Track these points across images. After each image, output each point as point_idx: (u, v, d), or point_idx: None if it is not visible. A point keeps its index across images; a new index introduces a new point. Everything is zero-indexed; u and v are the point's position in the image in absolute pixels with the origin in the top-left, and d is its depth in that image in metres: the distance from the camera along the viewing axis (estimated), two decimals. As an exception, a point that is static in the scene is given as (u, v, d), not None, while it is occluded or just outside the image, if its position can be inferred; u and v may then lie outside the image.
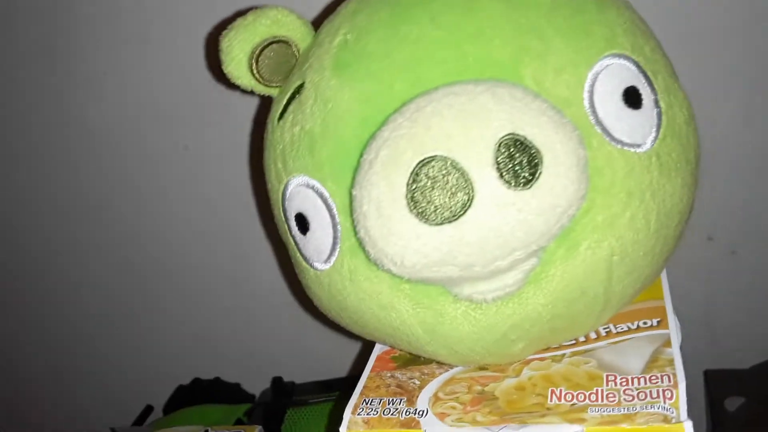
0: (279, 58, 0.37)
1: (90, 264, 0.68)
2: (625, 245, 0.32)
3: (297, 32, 0.37)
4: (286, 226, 0.37)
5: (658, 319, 0.37)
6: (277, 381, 0.67)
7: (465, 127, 0.29)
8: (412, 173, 0.29)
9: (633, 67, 0.33)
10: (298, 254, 0.37)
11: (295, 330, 0.68)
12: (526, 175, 0.28)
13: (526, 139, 0.28)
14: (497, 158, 0.28)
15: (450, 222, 0.29)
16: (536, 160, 0.28)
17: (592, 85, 0.32)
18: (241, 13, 0.37)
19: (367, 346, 0.59)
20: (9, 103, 0.61)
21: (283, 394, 0.66)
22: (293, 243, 0.37)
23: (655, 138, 0.33)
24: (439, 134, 0.29)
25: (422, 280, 0.31)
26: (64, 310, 0.71)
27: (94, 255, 0.67)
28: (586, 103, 0.32)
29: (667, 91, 0.34)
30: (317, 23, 0.38)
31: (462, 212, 0.29)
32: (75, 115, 0.61)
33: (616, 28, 0.34)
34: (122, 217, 0.65)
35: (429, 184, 0.29)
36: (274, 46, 0.37)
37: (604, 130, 0.32)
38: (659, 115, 0.33)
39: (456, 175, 0.28)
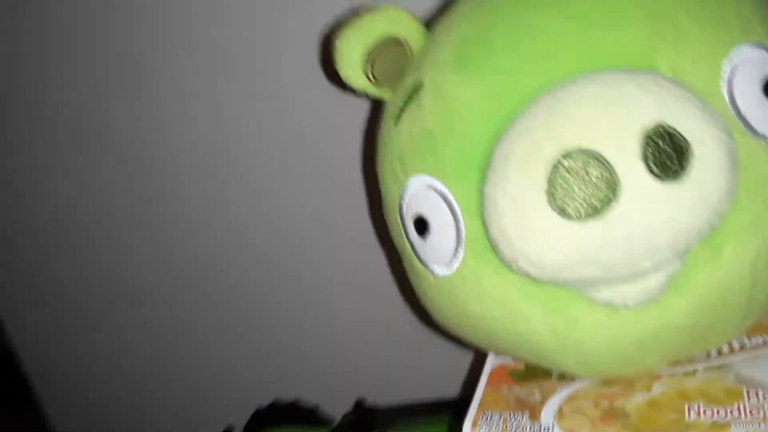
0: (393, 58, 0.36)
1: (170, 283, 0.68)
2: None
3: (411, 32, 0.36)
4: (402, 230, 0.36)
5: (798, 334, 0.35)
6: (359, 403, 0.66)
7: (608, 117, 0.27)
8: (552, 167, 0.27)
9: None
10: (415, 258, 0.36)
11: (379, 350, 0.66)
12: (676, 167, 0.27)
13: (675, 129, 0.27)
14: (644, 149, 0.27)
15: (594, 218, 0.27)
16: (686, 152, 0.27)
17: (731, 76, 0.30)
18: (355, 12, 0.36)
19: (459, 368, 0.58)
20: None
21: (366, 418, 0.65)
22: (409, 247, 0.36)
23: None
24: (580, 125, 0.27)
25: (559, 281, 0.29)
26: (143, 330, 0.71)
27: (174, 273, 0.67)
28: (725, 94, 0.30)
29: None
30: (427, 25, 0.38)
31: (607, 207, 0.27)
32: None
33: (752, 17, 0.32)
34: (203, 235, 0.64)
35: (570, 177, 0.27)
36: (388, 46, 0.36)
37: (746, 123, 0.30)
38: None
39: (600, 168, 0.27)
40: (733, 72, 0.30)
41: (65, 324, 0.72)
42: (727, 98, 0.30)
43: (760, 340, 0.35)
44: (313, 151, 0.58)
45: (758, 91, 0.30)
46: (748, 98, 0.30)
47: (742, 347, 0.35)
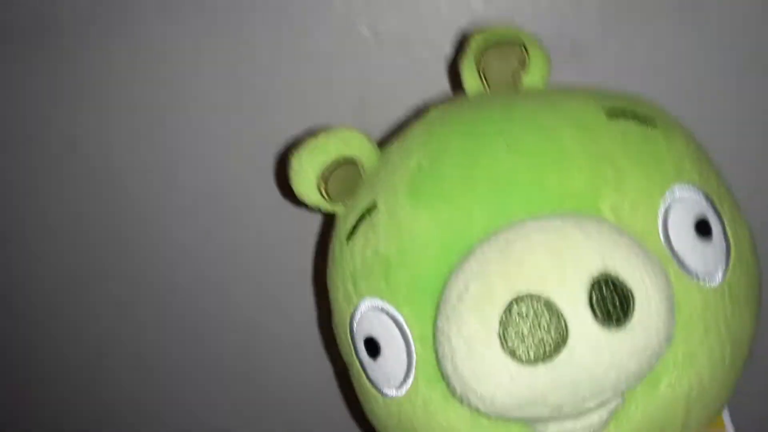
0: (346, 177, 0.37)
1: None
2: (703, 381, 0.32)
3: (364, 152, 0.37)
4: (352, 348, 0.36)
5: (723, 449, 0.37)
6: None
7: (558, 266, 0.29)
8: (504, 311, 0.29)
9: (702, 198, 0.34)
10: (364, 377, 0.36)
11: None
12: (619, 315, 0.28)
13: (618, 277, 0.28)
14: (591, 297, 0.28)
15: (544, 362, 0.28)
16: (629, 300, 0.28)
17: (666, 217, 0.32)
18: (311, 133, 0.37)
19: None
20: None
21: None
22: (359, 365, 0.36)
23: (725, 269, 0.33)
24: (532, 272, 0.29)
25: (509, 418, 0.30)
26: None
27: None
28: (661, 235, 0.32)
29: (733, 221, 0.35)
30: (374, 135, 0.39)
31: (556, 352, 0.28)
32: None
33: (684, 159, 0.34)
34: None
35: (522, 322, 0.28)
36: (342, 165, 0.37)
37: (680, 262, 0.32)
38: (728, 246, 0.34)
39: (550, 314, 0.28)
40: (668, 212, 0.32)
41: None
42: (662, 238, 0.32)
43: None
44: (266, 264, 0.58)
45: (691, 230, 0.33)
46: (682, 238, 0.32)
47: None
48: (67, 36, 0.54)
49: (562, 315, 0.28)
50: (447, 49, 0.53)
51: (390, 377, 0.34)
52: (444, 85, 0.53)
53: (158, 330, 0.62)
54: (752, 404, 0.54)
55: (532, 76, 0.38)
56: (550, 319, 0.28)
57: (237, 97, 0.54)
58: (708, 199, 0.34)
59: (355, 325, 0.35)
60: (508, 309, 0.29)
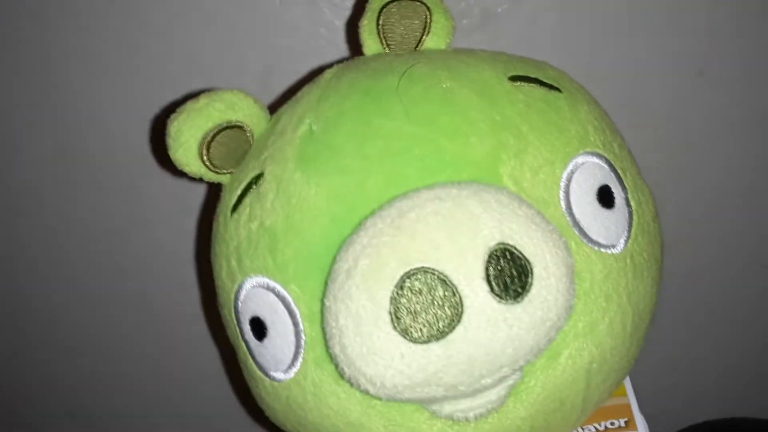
0: (232, 143, 0.34)
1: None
2: (604, 352, 0.31)
3: (252, 117, 0.34)
4: (237, 330, 0.33)
5: (625, 419, 0.36)
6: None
7: (453, 237, 0.27)
8: (396, 286, 0.26)
9: (605, 165, 0.32)
10: (251, 361, 0.33)
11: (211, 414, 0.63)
12: (517, 288, 0.27)
13: (516, 249, 0.27)
14: (487, 270, 0.26)
15: (437, 340, 0.26)
16: (527, 272, 0.27)
17: (568, 185, 0.31)
18: (192, 95, 0.34)
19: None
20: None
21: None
22: (245, 348, 0.33)
23: (627, 238, 0.32)
24: (425, 244, 0.27)
25: (401, 401, 0.28)
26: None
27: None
28: (562, 203, 0.31)
29: (636, 188, 0.34)
30: (273, 108, 0.36)
31: (450, 329, 0.26)
32: None
33: (588, 126, 0.33)
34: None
35: (414, 298, 0.26)
36: (227, 131, 0.33)
37: (581, 231, 0.31)
38: (630, 213, 0.33)
39: (444, 289, 0.26)
40: (569, 181, 0.31)
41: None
42: (564, 207, 0.31)
43: (592, 428, 0.36)
44: (145, 241, 0.55)
45: (593, 199, 0.31)
46: (583, 206, 0.31)
47: (574, 438, 0.36)
48: None
49: (456, 289, 0.26)
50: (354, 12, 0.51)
51: (277, 360, 0.32)
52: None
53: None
54: (653, 372, 0.55)
55: (435, 39, 0.35)
56: (444, 293, 0.26)
57: (128, 59, 0.50)
58: (611, 166, 0.33)
59: (239, 304, 0.33)
60: (400, 284, 0.26)
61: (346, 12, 0.51)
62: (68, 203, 0.55)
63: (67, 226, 0.56)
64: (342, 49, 0.52)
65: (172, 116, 0.33)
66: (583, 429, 0.36)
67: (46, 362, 0.62)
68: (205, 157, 0.33)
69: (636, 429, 0.36)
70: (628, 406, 0.37)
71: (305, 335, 0.30)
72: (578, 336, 0.30)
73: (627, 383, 0.39)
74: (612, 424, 0.36)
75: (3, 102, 0.52)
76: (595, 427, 0.36)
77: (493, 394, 0.29)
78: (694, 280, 0.59)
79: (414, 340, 0.26)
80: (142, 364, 0.61)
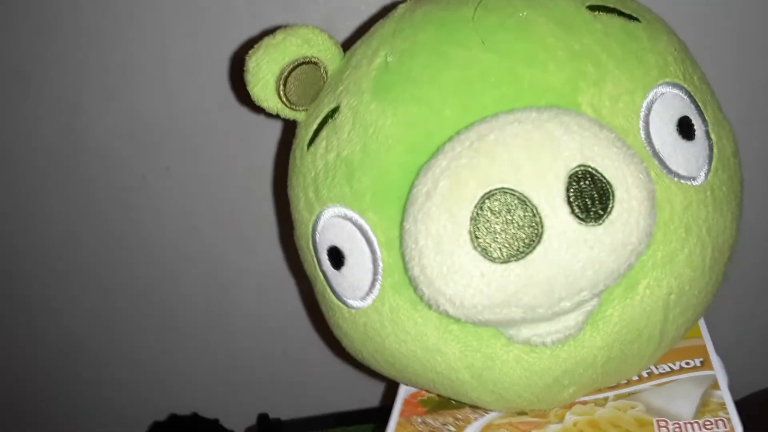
0: (307, 79, 0.35)
1: (65, 290, 0.63)
2: (683, 283, 0.31)
3: (327, 53, 0.35)
4: (315, 261, 0.34)
5: (701, 360, 0.36)
6: (262, 418, 0.64)
7: (533, 158, 0.27)
8: (476, 206, 0.27)
9: (685, 97, 0.32)
10: (329, 290, 0.34)
11: (281, 364, 0.64)
12: (598, 209, 0.27)
13: (597, 171, 0.27)
14: (568, 191, 0.26)
15: (517, 260, 0.27)
16: (608, 194, 0.27)
17: (648, 115, 0.31)
18: (268, 32, 0.34)
19: (363, 378, 0.57)
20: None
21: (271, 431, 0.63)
22: (323, 278, 0.34)
23: (708, 171, 0.32)
24: (505, 165, 0.27)
25: (479, 322, 0.29)
26: (34, 340, 0.66)
27: (69, 280, 0.63)
28: (642, 133, 0.30)
29: (716, 122, 0.33)
30: (346, 45, 0.36)
31: (530, 249, 0.27)
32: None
33: (668, 56, 0.32)
34: (104, 242, 0.60)
35: (494, 218, 0.27)
36: (303, 67, 0.34)
37: (661, 161, 0.30)
38: (710, 147, 0.32)
39: (524, 209, 0.26)
40: (649, 110, 0.31)
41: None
42: (643, 136, 0.30)
43: (666, 368, 0.36)
44: (224, 174, 0.56)
45: (673, 129, 0.31)
46: (663, 137, 0.30)
47: (650, 375, 0.35)
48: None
49: (537, 210, 0.26)
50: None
51: (355, 287, 0.32)
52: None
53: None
54: (730, 319, 0.54)
55: None
56: (524, 214, 0.26)
57: (190, 13, 0.51)
58: (691, 98, 0.32)
59: (317, 235, 0.33)
60: (480, 205, 0.27)
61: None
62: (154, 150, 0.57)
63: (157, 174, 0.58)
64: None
65: (250, 52, 0.34)
66: (657, 367, 0.36)
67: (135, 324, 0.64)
68: (281, 92, 0.34)
69: (712, 369, 0.35)
70: (704, 347, 0.37)
71: (382, 262, 0.31)
72: (657, 266, 0.30)
73: (702, 325, 0.38)
74: (687, 363, 0.36)
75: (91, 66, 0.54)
76: (670, 366, 0.36)
77: (571, 319, 0.29)
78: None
79: (494, 260, 0.27)
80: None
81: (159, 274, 0.61)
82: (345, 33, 0.51)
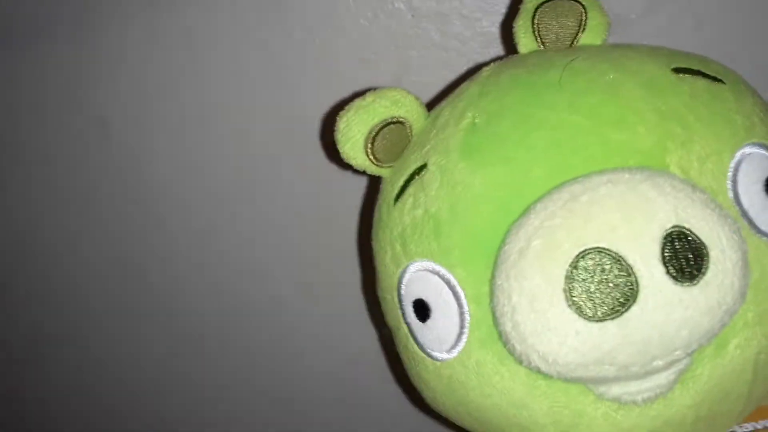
0: (394, 138, 0.36)
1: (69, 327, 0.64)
2: None
3: (413, 113, 0.36)
4: (399, 312, 0.35)
5: (785, 420, 0.35)
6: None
7: (628, 219, 0.27)
8: (570, 265, 0.27)
9: None
10: (413, 342, 0.35)
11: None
12: (693, 270, 0.27)
13: (692, 232, 0.27)
14: (663, 252, 0.27)
15: (612, 318, 0.27)
16: (703, 255, 0.27)
17: (735, 175, 0.31)
18: (358, 93, 0.36)
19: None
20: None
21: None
22: (407, 330, 0.35)
23: None
24: (600, 225, 0.27)
25: (572, 379, 0.29)
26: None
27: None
28: (730, 193, 0.31)
29: None
30: (429, 106, 0.37)
31: (625, 308, 0.27)
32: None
33: (754, 117, 0.33)
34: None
35: (589, 277, 0.27)
36: (390, 126, 0.35)
37: (750, 221, 0.31)
38: None
39: (619, 269, 0.27)
40: (736, 171, 0.31)
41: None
42: (731, 196, 0.31)
43: (749, 426, 0.35)
44: (311, 226, 0.57)
45: (760, 189, 0.31)
46: (751, 197, 0.31)
47: (733, 434, 0.35)
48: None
49: (632, 269, 0.27)
50: (483, 23, 0.52)
51: (441, 340, 0.33)
52: (479, 59, 0.52)
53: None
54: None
55: (591, 36, 0.36)
56: (619, 273, 0.27)
57: (270, 74, 0.53)
58: None
59: (403, 288, 0.34)
60: (574, 264, 0.27)
61: (476, 23, 0.52)
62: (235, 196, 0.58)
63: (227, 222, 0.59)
64: (471, 60, 0.53)
65: (341, 113, 0.35)
66: (740, 426, 0.35)
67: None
68: (369, 151, 0.35)
69: (797, 429, 0.35)
70: (788, 407, 0.36)
71: (470, 316, 0.31)
72: (747, 326, 0.30)
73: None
74: (769, 424, 0.35)
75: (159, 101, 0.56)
76: (753, 425, 0.35)
77: (662, 378, 0.29)
78: None
79: (589, 318, 0.27)
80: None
81: (222, 317, 0.62)
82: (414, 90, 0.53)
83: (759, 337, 0.30)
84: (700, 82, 0.33)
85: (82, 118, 0.57)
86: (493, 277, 0.30)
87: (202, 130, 0.56)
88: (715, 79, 0.33)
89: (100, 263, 0.61)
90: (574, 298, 0.27)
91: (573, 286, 0.27)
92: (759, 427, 0.35)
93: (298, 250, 0.58)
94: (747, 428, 0.35)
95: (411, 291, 0.34)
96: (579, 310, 0.27)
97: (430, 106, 0.38)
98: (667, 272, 0.27)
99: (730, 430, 0.35)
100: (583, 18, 0.35)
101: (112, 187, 0.59)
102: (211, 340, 0.63)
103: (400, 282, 0.34)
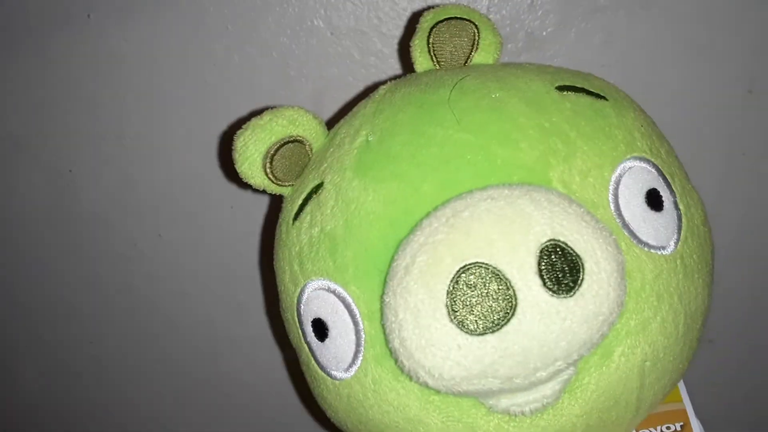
0: (293, 157, 0.36)
1: (53, 354, 0.63)
2: (657, 350, 0.32)
3: (312, 132, 0.36)
4: (300, 332, 0.35)
5: (681, 423, 0.37)
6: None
7: (506, 233, 0.28)
8: (452, 281, 0.28)
9: (653, 170, 0.33)
10: (313, 362, 0.35)
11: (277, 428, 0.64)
12: (569, 282, 0.28)
13: (567, 245, 0.28)
14: (540, 265, 0.28)
15: (492, 332, 0.28)
16: (578, 267, 0.28)
17: (617, 188, 0.32)
18: (256, 112, 0.36)
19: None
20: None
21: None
22: (307, 349, 0.35)
23: (677, 240, 0.33)
24: (479, 240, 0.28)
25: (458, 393, 0.29)
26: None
27: (59, 345, 0.63)
28: (612, 206, 0.32)
29: (684, 193, 0.35)
30: (330, 123, 0.38)
31: (505, 321, 0.28)
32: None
33: (635, 132, 0.34)
34: (96, 306, 0.61)
35: (470, 291, 0.28)
36: (289, 145, 0.36)
37: (631, 232, 0.32)
38: (679, 216, 0.34)
39: (498, 283, 0.28)
40: (618, 184, 0.32)
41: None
42: (613, 209, 0.32)
43: (646, 433, 0.36)
44: (211, 248, 0.57)
45: (641, 201, 0.32)
46: (632, 209, 0.32)
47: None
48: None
49: (510, 283, 0.28)
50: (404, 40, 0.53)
51: (338, 359, 0.33)
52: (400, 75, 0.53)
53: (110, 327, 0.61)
54: (710, 383, 0.55)
55: (484, 55, 0.37)
56: (498, 287, 0.28)
57: (186, 88, 0.53)
58: (658, 171, 0.34)
59: (302, 307, 0.34)
60: (456, 279, 0.28)
61: (395, 41, 0.53)
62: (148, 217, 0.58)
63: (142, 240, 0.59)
64: (392, 77, 0.54)
65: (238, 132, 0.36)
66: (638, 433, 0.36)
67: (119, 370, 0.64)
68: (268, 170, 0.35)
69: (692, 433, 0.36)
70: (684, 411, 0.37)
71: (365, 333, 0.32)
72: (630, 334, 0.31)
73: (682, 388, 0.39)
74: (668, 428, 0.36)
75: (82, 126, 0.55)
76: (651, 431, 0.36)
77: (548, 389, 0.30)
78: (752, 287, 0.59)
79: (470, 332, 0.28)
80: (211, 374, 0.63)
81: (149, 338, 0.62)
82: (335, 107, 0.53)
83: (642, 344, 0.31)
84: (583, 99, 0.34)
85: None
86: (382, 294, 0.30)
87: (120, 147, 0.55)
88: (598, 96, 0.34)
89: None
90: (456, 313, 0.28)
91: (455, 301, 0.28)
92: (656, 432, 0.36)
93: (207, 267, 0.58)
94: (644, 435, 0.36)
95: (309, 310, 0.34)
96: (461, 324, 0.28)
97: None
98: (544, 285, 0.27)
99: (629, 436, 0.36)
100: (476, 38, 0.36)
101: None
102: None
103: (299, 302, 0.34)
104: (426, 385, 0.29)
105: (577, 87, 0.34)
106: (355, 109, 0.37)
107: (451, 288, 0.28)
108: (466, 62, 0.37)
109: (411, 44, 0.38)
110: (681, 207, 0.34)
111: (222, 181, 0.54)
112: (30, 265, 0.60)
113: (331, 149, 0.35)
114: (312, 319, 0.34)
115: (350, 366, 0.33)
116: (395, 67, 0.54)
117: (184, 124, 0.54)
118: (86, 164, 0.56)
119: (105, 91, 0.54)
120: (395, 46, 0.53)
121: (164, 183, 0.56)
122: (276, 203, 0.40)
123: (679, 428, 0.36)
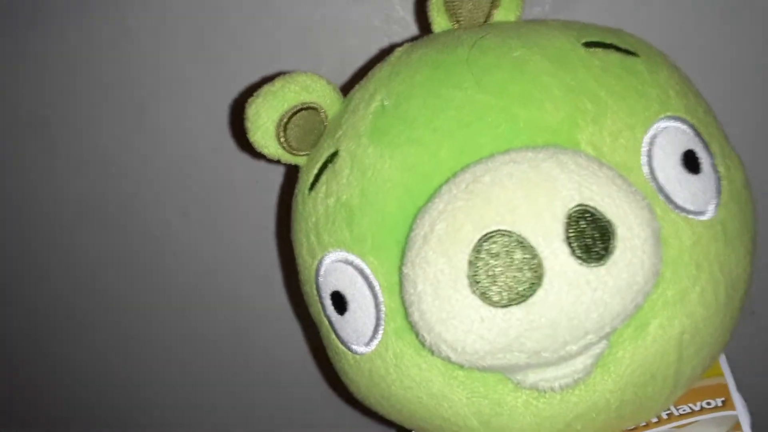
0: (307, 125, 0.35)
1: (82, 335, 0.64)
2: (696, 322, 0.30)
3: (326, 98, 0.35)
4: (319, 305, 0.34)
5: (722, 399, 0.35)
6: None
7: (530, 198, 0.26)
8: (474, 250, 0.26)
9: (689, 130, 0.31)
10: (333, 336, 0.34)
11: (296, 406, 0.64)
12: (600, 250, 0.26)
13: (597, 210, 0.26)
14: (567, 232, 0.26)
15: (518, 303, 0.26)
16: (609, 234, 0.26)
17: (650, 150, 0.30)
18: (268, 79, 0.34)
19: (372, 424, 0.56)
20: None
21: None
22: (327, 324, 0.34)
23: (717, 204, 0.31)
24: (501, 206, 0.26)
25: (483, 368, 0.28)
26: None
27: (88, 324, 0.63)
28: (645, 168, 0.30)
29: (723, 155, 0.32)
30: (346, 89, 0.36)
31: (531, 292, 0.26)
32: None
33: (669, 90, 0.32)
34: (127, 286, 0.61)
35: (493, 261, 0.26)
36: (302, 112, 0.34)
37: (667, 197, 0.30)
38: (719, 179, 0.31)
39: (523, 252, 0.26)
40: (652, 146, 0.30)
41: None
42: (647, 172, 0.29)
43: (687, 408, 0.34)
44: (226, 218, 0.56)
45: (677, 164, 0.30)
46: (667, 171, 0.30)
47: (670, 416, 0.34)
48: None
49: (536, 251, 0.26)
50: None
51: (359, 333, 0.32)
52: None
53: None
54: (753, 355, 0.53)
55: (504, 13, 0.35)
56: (523, 256, 0.26)
57: (199, 43, 0.52)
58: (695, 131, 0.31)
59: (320, 280, 0.33)
60: (477, 248, 0.26)
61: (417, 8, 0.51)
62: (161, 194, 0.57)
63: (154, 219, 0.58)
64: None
65: (250, 99, 0.34)
66: (677, 408, 0.34)
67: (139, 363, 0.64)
68: (282, 138, 0.34)
69: (734, 408, 0.34)
70: (725, 386, 0.35)
71: (385, 307, 0.30)
72: (668, 305, 0.29)
73: (723, 362, 0.37)
74: (708, 404, 0.34)
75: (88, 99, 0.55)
76: (690, 407, 0.34)
77: (578, 363, 0.28)
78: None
79: (494, 304, 0.26)
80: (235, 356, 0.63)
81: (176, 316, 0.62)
82: (353, 74, 0.51)
83: (680, 316, 0.29)
84: (613, 56, 0.32)
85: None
86: (401, 266, 0.29)
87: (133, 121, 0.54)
88: (628, 52, 0.32)
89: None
90: (478, 284, 0.26)
91: (477, 272, 0.26)
92: (696, 408, 0.34)
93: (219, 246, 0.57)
94: (684, 410, 0.34)
95: (328, 283, 0.33)
96: (483, 296, 0.26)
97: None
98: (573, 253, 0.26)
99: (666, 411, 0.34)
100: None
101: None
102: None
103: (317, 274, 0.33)
104: (448, 360, 0.28)
105: (605, 43, 0.32)
106: (370, 73, 0.35)
107: (473, 257, 0.26)
108: (486, 21, 0.35)
109: (427, 4, 0.36)
110: (720, 169, 0.32)
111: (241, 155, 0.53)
112: (61, 247, 0.60)
113: (346, 115, 0.34)
114: (331, 292, 0.32)
115: (371, 340, 0.31)
116: (417, 35, 0.52)
117: (203, 98, 0.53)
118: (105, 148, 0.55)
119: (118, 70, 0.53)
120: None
121: (185, 158, 0.55)
122: (292, 174, 0.38)
123: (720, 404, 0.34)
